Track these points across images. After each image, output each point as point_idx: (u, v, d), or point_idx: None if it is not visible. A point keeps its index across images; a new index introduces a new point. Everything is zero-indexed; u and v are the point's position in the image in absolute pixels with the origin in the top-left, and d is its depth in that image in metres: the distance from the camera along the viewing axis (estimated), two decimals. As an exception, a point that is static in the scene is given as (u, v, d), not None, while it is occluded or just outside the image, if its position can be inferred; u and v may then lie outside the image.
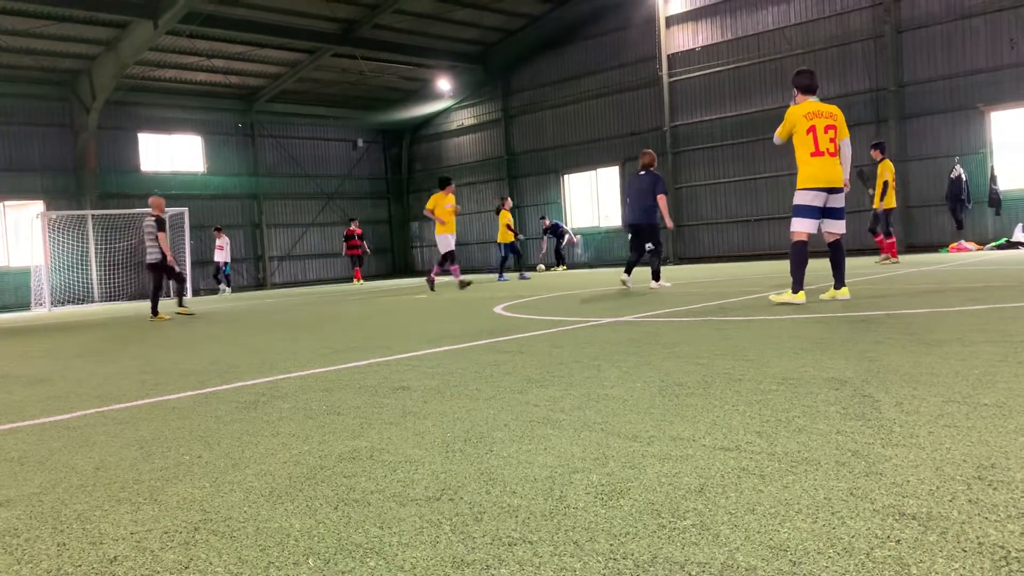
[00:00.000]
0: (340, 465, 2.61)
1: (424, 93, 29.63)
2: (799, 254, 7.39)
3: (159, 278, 12.78)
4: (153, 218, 12.38)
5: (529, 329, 6.70)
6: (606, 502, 2.05)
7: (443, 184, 15.84)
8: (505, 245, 19.70)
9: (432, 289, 15.48)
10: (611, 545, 1.75)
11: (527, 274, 19.44)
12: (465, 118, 30.49)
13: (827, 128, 7.35)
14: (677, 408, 3.12)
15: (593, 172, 26.36)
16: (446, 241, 15.45)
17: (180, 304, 13.35)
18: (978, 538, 1.64)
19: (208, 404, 4.04)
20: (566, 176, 27.24)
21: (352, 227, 25.55)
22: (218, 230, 25.33)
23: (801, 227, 7.39)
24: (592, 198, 26.75)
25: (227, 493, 2.38)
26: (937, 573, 1.49)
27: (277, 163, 29.33)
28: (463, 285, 15.19)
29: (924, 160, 19.71)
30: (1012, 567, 1.49)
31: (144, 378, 5.27)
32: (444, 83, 28.52)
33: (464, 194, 29.96)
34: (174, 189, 26.40)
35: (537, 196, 28.09)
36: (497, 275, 19.24)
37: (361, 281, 25.05)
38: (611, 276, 17.18)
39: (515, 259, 20.97)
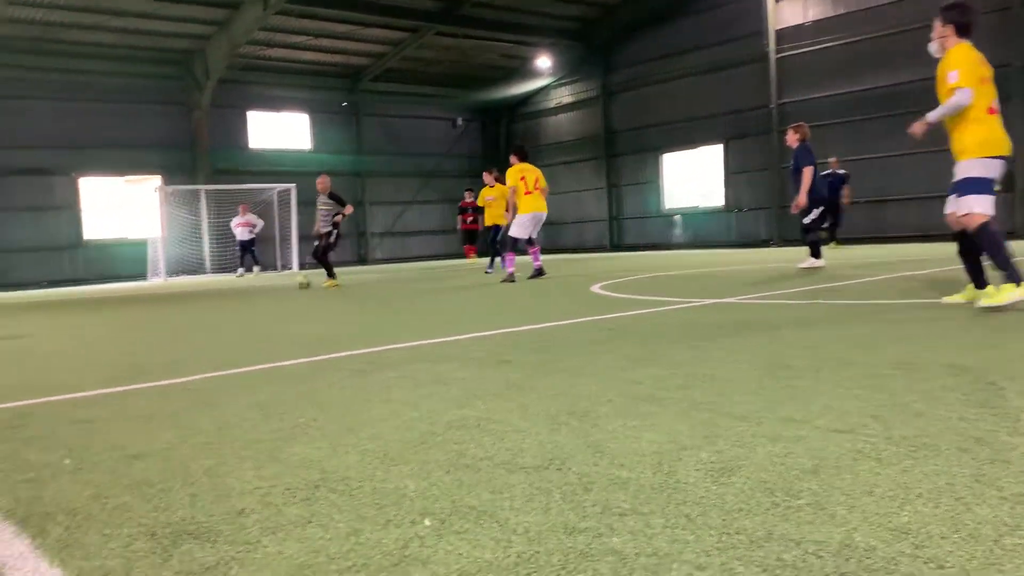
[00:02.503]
0: (449, 432, 2.68)
1: (524, 71, 29.60)
2: (993, 239, 5.26)
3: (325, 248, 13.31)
4: (331, 198, 13.24)
5: (628, 309, 6.67)
6: (717, 479, 2.04)
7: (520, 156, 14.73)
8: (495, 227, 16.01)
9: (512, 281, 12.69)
10: (723, 520, 1.75)
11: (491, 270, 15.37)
12: (564, 96, 30.33)
13: (985, 81, 5.44)
14: (786, 390, 3.06)
15: (694, 151, 25.85)
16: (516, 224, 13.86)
17: (330, 276, 13.41)
18: (1118, 531, 1.56)
19: (320, 371, 4.19)
20: (665, 155, 26.81)
21: (467, 198, 22.32)
22: (245, 206, 23.40)
23: (982, 206, 5.29)
24: (692, 178, 26.26)
25: (343, 454, 2.47)
26: (1073, 564, 1.43)
27: (379, 141, 29.88)
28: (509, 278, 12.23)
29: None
30: None
31: (258, 345, 5.50)
32: (544, 60, 28.42)
33: (560, 173, 29.85)
34: (281, 166, 27.23)
35: (635, 175, 27.75)
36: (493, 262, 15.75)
37: (474, 259, 22.19)
38: (708, 258, 16.88)
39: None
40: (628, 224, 28.06)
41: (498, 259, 14.97)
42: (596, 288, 9.33)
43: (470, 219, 21.86)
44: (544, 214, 12.00)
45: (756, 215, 24.28)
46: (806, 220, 10.76)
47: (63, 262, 23.38)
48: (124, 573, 1.63)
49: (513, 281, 11.30)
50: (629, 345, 4.48)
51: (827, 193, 10.66)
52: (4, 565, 1.71)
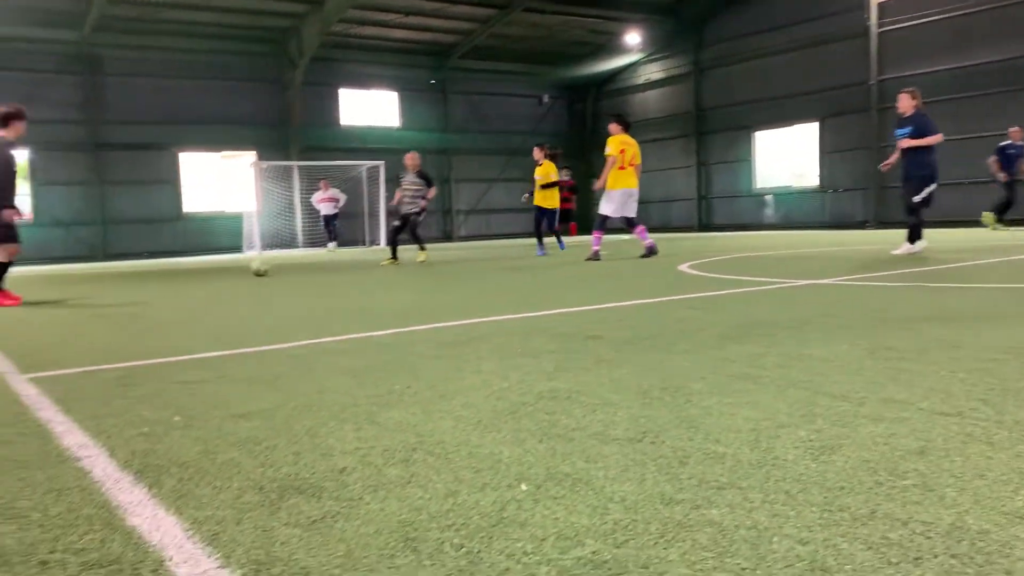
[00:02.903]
0: (541, 403, 2.70)
1: (612, 47, 29.24)
2: None
3: (403, 228, 13.04)
4: (421, 175, 12.89)
5: (719, 288, 6.56)
6: (817, 457, 2.00)
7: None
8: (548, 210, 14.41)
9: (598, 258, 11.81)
10: (825, 497, 1.72)
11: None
12: (653, 72, 29.84)
13: None
14: (889, 371, 2.97)
15: (788, 128, 25.11)
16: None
17: (421, 248, 13.33)
18: None
19: (411, 341, 4.27)
20: (757, 133, 26.13)
21: (563, 176, 20.57)
22: (326, 182, 23.31)
23: None
24: (785, 157, 25.53)
25: (438, 420, 2.52)
26: None
27: (465, 119, 30.04)
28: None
29: None
30: None
31: (350, 315, 5.64)
32: (633, 36, 28.01)
33: (647, 151, 29.41)
34: (370, 143, 27.69)
35: (726, 153, 27.16)
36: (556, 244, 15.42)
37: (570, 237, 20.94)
38: (800, 239, 16.43)
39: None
40: (717, 204, 27.52)
41: (547, 240, 14.58)
42: (684, 267, 9.20)
43: (567, 196, 20.95)
44: (636, 191, 11.57)
45: (852, 196, 23.50)
46: (916, 198, 9.64)
47: (163, 234, 24.38)
48: (235, 522, 1.71)
49: (598, 259, 11.22)
50: (720, 324, 4.41)
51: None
52: (126, 511, 1.81)
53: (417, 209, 12.89)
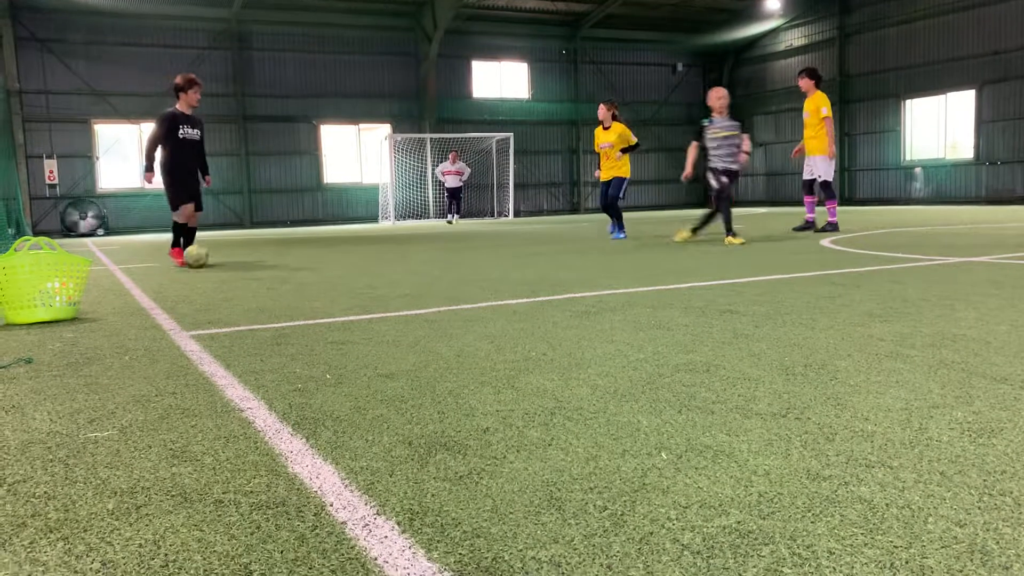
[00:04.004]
0: (677, 375, 2.69)
1: (751, 13, 28.20)
2: None
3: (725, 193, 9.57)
4: (736, 123, 9.70)
5: (864, 264, 6.29)
6: (975, 439, 1.91)
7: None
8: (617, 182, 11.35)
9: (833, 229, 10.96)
10: (985, 481, 1.64)
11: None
12: (794, 38, 28.60)
13: None
14: (1054, 354, 2.78)
15: (941, 97, 23.56)
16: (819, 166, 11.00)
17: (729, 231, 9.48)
18: None
19: (543, 311, 4.32)
20: (907, 101, 24.64)
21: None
22: (455, 154, 22.95)
23: None
24: (938, 126, 23.99)
25: (575, 387, 2.56)
26: None
27: (596, 89, 29.76)
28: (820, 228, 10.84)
29: None
30: None
31: (482, 284, 5.75)
32: (774, 1, 26.90)
33: (787, 121, 28.35)
34: (501, 115, 27.89)
35: (872, 123, 25.78)
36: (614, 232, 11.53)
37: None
38: (952, 214, 15.46)
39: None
40: (861, 176, 26.23)
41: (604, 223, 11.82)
42: (826, 243, 8.85)
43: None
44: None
45: (1012, 168, 21.86)
46: None
47: (305, 203, 25.49)
48: (388, 474, 1.80)
49: (837, 229, 10.82)
50: (866, 301, 4.24)
51: None
52: (287, 459, 1.94)
53: (737, 166, 9.57)
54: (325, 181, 25.93)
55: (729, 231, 9.25)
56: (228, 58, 24.26)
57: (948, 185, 23.51)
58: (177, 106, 8.41)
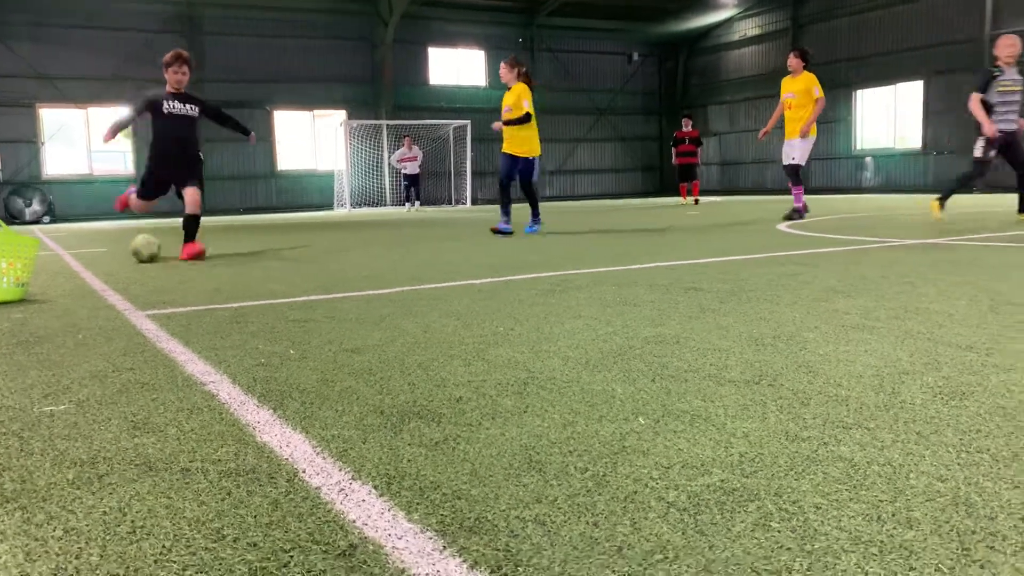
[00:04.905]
0: (648, 346, 2.67)
1: (706, 2, 28.42)
2: None
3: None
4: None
5: (821, 246, 6.36)
6: (947, 401, 1.92)
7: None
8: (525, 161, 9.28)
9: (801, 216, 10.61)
10: (960, 439, 1.65)
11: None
12: (748, 28, 28.90)
13: None
14: (1016, 324, 2.83)
15: (892, 87, 24.01)
16: (785, 151, 10.83)
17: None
18: None
19: (508, 289, 4.29)
20: (858, 91, 25.07)
21: (685, 126, 19.19)
22: (409, 139, 22.31)
23: None
24: (887, 117, 24.45)
25: (546, 359, 2.53)
26: None
27: (552, 77, 29.74)
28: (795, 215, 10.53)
29: None
30: None
31: (446, 266, 5.70)
32: (728, -8, 27.16)
33: (741, 111, 28.70)
34: (458, 103, 27.73)
35: (825, 113, 26.14)
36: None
37: (692, 200, 18.44)
38: (902, 201, 15.77)
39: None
40: (813, 165, 26.63)
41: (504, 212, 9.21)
42: (783, 227, 8.96)
43: (689, 151, 18.78)
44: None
45: (957, 158, 22.40)
46: None
47: (259, 190, 25.08)
48: (361, 441, 1.75)
49: (801, 216, 10.32)
50: (827, 278, 4.28)
51: None
52: (255, 429, 1.88)
53: (1016, 127, 8.39)
54: (279, 168, 25.55)
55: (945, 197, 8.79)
56: (179, 42, 23.72)
57: (897, 174, 24.00)
58: (167, 87, 7.34)
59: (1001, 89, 8.21)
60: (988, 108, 8.26)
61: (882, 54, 23.99)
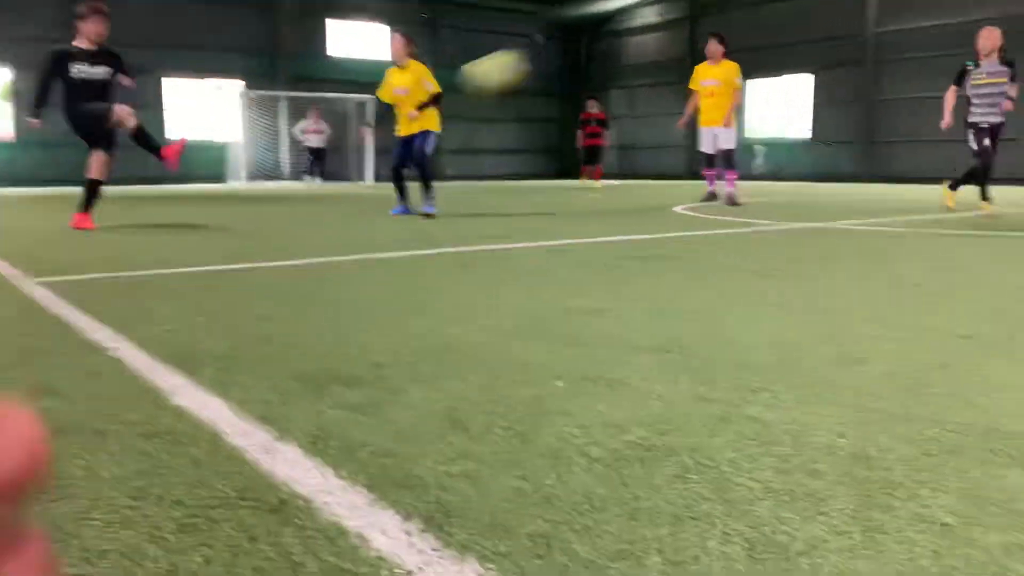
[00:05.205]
0: (564, 317, 2.73)
1: (609, -12, 28.77)
2: None
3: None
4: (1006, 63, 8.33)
5: (720, 228, 6.59)
6: (845, 367, 2.05)
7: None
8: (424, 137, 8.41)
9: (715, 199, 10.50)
10: (857, 399, 1.77)
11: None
12: (649, 16, 29.44)
13: None
14: (911, 300, 3.03)
15: (780, 79, 24.96)
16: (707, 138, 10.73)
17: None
18: None
19: (421, 263, 4.28)
20: (750, 82, 25.91)
21: (591, 108, 19.00)
22: (317, 109, 21.59)
23: None
24: (778, 107, 25.42)
25: (464, 328, 2.55)
26: None
27: (456, 56, 29.53)
28: (725, 200, 10.14)
29: None
30: None
31: (357, 239, 5.63)
32: (631, -23, 27.58)
33: (641, 96, 29.24)
34: (360, 77, 27.21)
35: (717, 102, 26.95)
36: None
37: (598, 183, 18.28)
38: (792, 188, 16.47)
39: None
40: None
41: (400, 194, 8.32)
42: (679, 209, 9.22)
43: (595, 132, 18.58)
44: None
45: (843, 149, 23.53)
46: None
47: (147, 160, 24.00)
48: (282, 404, 1.74)
49: (725, 201, 10.05)
50: (732, 256, 4.45)
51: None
52: (170, 393, 1.83)
53: (999, 118, 8.22)
54: (168, 138, 24.51)
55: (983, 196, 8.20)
56: (59, 1, 22.40)
57: (786, 162, 25.00)
58: (75, 41, 6.81)
59: (975, 83, 8.19)
60: (968, 102, 8.26)
61: (774, 46, 24.87)
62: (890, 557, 1.06)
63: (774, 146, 25.50)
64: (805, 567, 1.03)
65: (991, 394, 1.81)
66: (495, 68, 5.97)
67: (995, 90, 8.06)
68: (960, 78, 8.37)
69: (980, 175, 8.33)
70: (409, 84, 8.30)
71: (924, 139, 21.53)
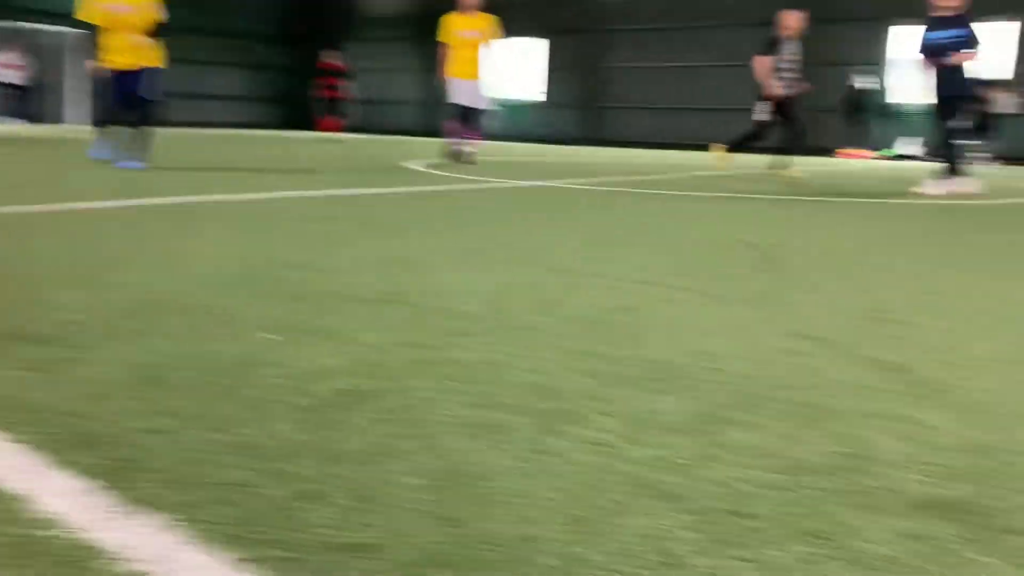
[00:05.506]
0: (278, 270, 2.69)
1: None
2: None
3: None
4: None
5: (448, 184, 6.76)
6: (543, 312, 2.22)
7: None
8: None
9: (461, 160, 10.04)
10: (551, 340, 1.93)
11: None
12: (388, -31, 29.05)
13: None
14: (605, 251, 3.32)
15: (515, 41, 25.77)
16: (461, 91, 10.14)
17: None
18: (867, 354, 1.89)
19: (128, 214, 3.98)
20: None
21: (329, 59, 18.49)
22: (17, 45, 19.90)
23: None
24: (513, 69, 26.25)
25: (169, 281, 2.42)
26: (831, 374, 1.73)
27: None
28: (463, 157, 9.99)
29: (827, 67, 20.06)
30: (901, 376, 1.74)
31: (50, 188, 5.11)
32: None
33: (378, 51, 28.90)
34: (64, 8, 24.36)
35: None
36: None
37: (334, 133, 17.62)
38: (526, 148, 17.20)
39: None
40: (438, 111, 27.78)
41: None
42: (411, 164, 9.32)
43: (333, 84, 17.78)
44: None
45: (572, 113, 24.89)
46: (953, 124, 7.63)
47: None
48: (-52, 368, 1.57)
49: (468, 160, 9.84)
50: (451, 212, 4.60)
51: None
52: None
53: (796, 91, 9.11)
54: None
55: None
56: None
57: (519, 124, 26.00)
58: None
59: (783, 58, 8.92)
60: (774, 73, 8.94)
61: (509, 7, 25.57)
62: (558, 476, 1.19)
63: (510, 108, 26.40)
64: (483, 490, 1.13)
65: (665, 333, 2.05)
66: None
67: (796, 66, 9.02)
68: (771, 49, 9.01)
69: (745, 141, 9.34)
70: (136, 1, 7.26)
71: (648, 106, 23.39)
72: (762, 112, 9.16)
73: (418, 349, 1.82)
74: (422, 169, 8.67)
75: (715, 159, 9.92)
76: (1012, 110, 16.82)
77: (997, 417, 1.52)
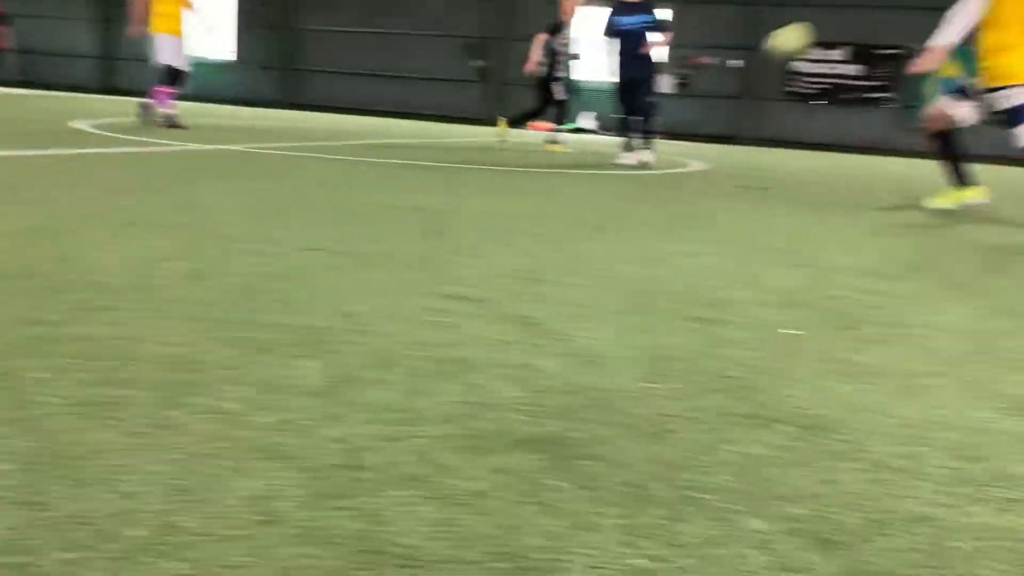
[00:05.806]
0: None
1: None
2: None
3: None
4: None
5: (118, 146, 6.23)
6: (194, 281, 2.13)
7: None
8: None
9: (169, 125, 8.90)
10: (200, 310, 1.87)
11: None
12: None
13: None
14: (272, 216, 3.26)
15: (202, -4, 24.13)
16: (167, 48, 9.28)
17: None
18: (509, 312, 2.05)
19: None
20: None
21: None
22: None
23: None
24: (196, 26, 24.55)
25: None
26: (472, 330, 1.86)
27: None
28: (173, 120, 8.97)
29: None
30: (532, 330, 1.91)
31: None
32: None
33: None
34: None
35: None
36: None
37: None
38: (214, 110, 16.28)
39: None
40: (124, 65, 25.39)
41: None
42: (81, 125, 8.44)
43: None
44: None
45: (266, 75, 23.91)
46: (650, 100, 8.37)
47: None
48: None
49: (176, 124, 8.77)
50: (115, 176, 4.25)
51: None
52: None
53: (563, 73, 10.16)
54: None
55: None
56: None
57: (208, 84, 24.46)
58: None
59: (562, 42, 9.73)
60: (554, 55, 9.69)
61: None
62: (170, 448, 1.15)
63: (198, 66, 24.71)
64: (81, 470, 1.07)
65: (318, 298, 2.07)
66: (794, 37, 6.38)
67: (567, 50, 9.78)
68: (554, 31, 9.67)
69: (530, 116, 10.35)
70: None
71: (343, 71, 23.06)
72: (559, 92, 10.00)
73: (38, 327, 1.67)
74: (90, 130, 7.88)
75: (499, 131, 10.56)
76: (670, 90, 18.83)
77: (605, 362, 1.72)
